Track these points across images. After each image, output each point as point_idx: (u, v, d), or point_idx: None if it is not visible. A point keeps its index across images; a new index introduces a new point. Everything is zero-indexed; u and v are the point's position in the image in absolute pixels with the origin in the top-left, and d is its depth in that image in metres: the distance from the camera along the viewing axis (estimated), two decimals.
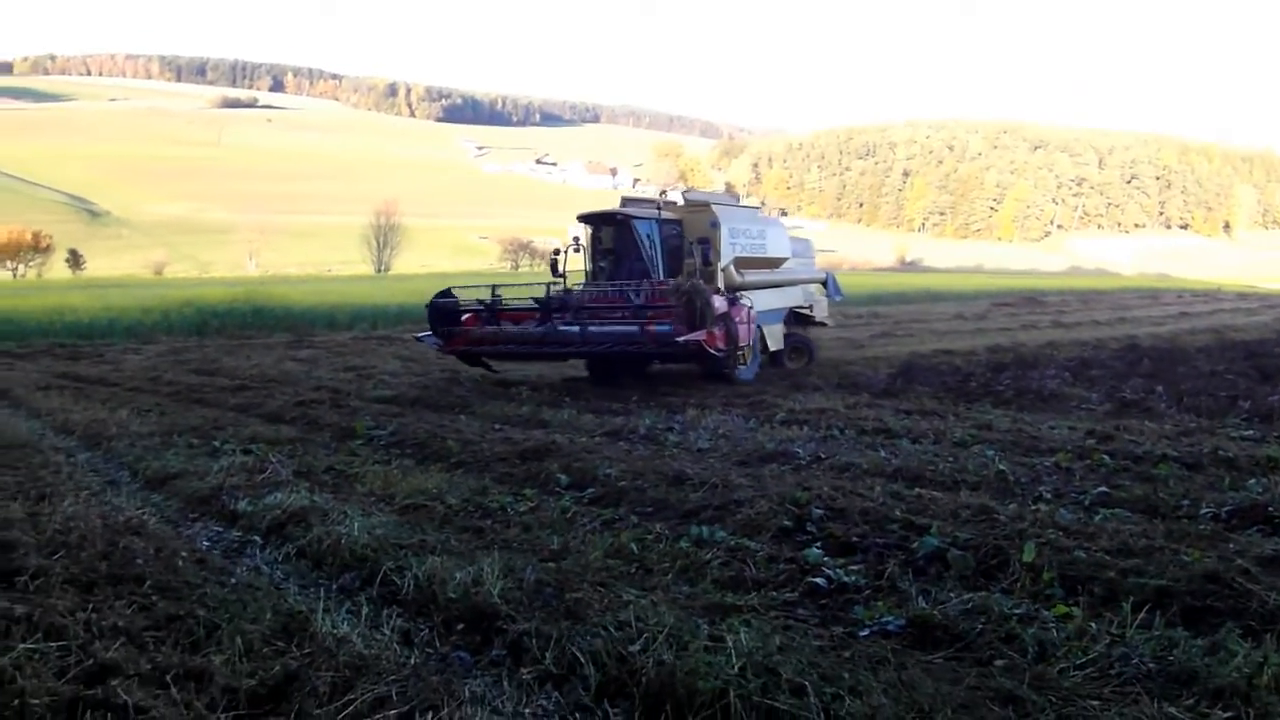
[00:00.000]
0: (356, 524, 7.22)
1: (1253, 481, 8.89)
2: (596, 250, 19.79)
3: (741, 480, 8.76)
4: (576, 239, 20.16)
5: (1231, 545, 6.59)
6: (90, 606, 5.40)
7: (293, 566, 6.86)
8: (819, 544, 6.89)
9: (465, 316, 19.43)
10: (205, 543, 7.61)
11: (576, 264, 20.17)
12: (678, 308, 16.20)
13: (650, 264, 18.65)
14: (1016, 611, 5.34)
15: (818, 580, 5.97)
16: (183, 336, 35.12)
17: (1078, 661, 4.70)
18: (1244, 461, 9.99)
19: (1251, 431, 12.28)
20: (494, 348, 19.13)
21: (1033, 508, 7.81)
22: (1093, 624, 5.18)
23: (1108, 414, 14.13)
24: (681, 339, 15.75)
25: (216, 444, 11.79)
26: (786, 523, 7.34)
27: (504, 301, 19.78)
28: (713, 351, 15.98)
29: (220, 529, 8.06)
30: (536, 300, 19.00)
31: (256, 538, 7.62)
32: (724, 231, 19.34)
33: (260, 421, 14.09)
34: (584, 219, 19.84)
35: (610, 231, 19.74)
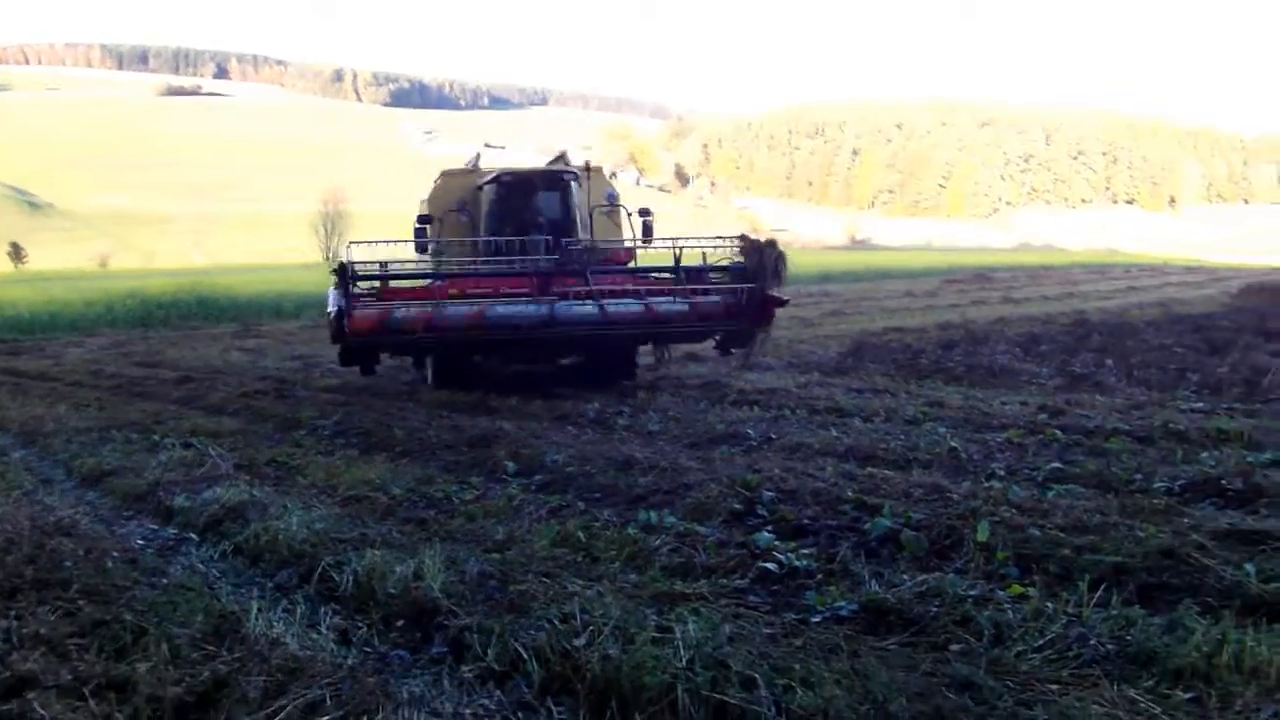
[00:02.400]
0: (295, 518, 6.98)
1: (1205, 454, 8.84)
2: (495, 216, 15.75)
3: (691, 464, 8.62)
4: (463, 204, 16.30)
5: (1186, 520, 6.51)
6: (12, 614, 5.15)
7: (229, 564, 6.61)
8: (770, 527, 6.73)
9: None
10: (139, 542, 7.31)
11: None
12: (756, 264, 13.54)
13: (574, 233, 15.49)
14: (971, 593, 5.22)
15: (768, 565, 5.81)
16: (126, 329, 34.57)
17: (1035, 644, 4.56)
18: (1194, 434, 9.96)
19: (1201, 404, 12.30)
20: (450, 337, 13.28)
21: (986, 485, 7.72)
22: (1049, 604, 5.05)
23: (1058, 389, 14.11)
24: (777, 294, 13.48)
25: (156, 438, 11.49)
26: (737, 506, 7.18)
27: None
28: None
29: (155, 527, 7.78)
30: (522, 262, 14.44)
31: (193, 535, 7.36)
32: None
33: (202, 414, 13.82)
34: (503, 178, 16.05)
35: (516, 194, 15.94)
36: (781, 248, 13.76)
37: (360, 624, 5.30)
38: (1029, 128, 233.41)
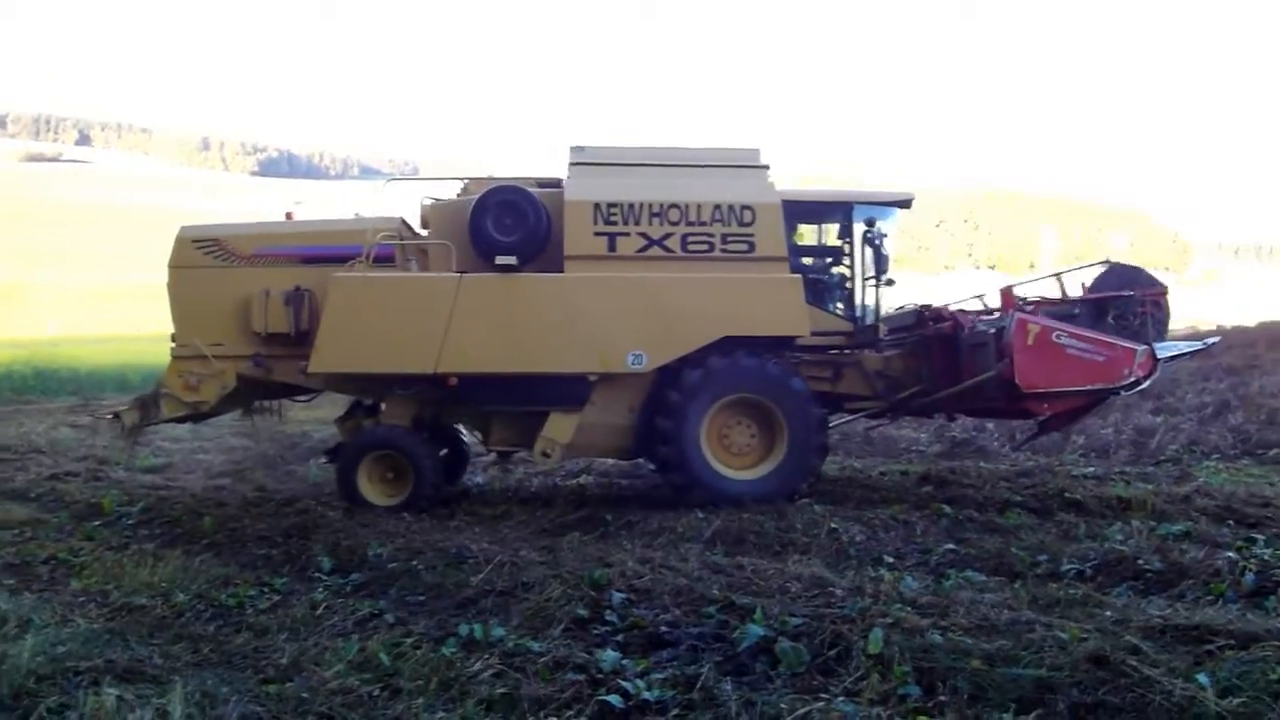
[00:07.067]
0: (33, 640, 5.59)
1: (1110, 528, 8.07)
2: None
3: (534, 556, 7.49)
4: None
5: (1109, 613, 5.62)
6: None
7: None
8: (619, 638, 5.61)
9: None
10: None
11: None
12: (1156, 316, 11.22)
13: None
14: None
15: (611, 699, 4.61)
16: None
17: None
18: (1093, 504, 9.41)
19: (1092, 468, 11.73)
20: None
21: (873, 575, 6.73)
22: None
23: (939, 455, 13.43)
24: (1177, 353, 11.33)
25: None
26: (581, 611, 6.02)
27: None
28: None
29: None
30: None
31: None
32: None
33: None
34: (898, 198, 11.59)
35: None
36: None
37: None
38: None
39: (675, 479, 10.32)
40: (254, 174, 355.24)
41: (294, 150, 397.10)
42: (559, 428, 10.45)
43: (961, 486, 10.44)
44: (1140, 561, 6.86)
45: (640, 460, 11.01)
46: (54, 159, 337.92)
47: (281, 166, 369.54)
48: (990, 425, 15.11)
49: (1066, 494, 9.63)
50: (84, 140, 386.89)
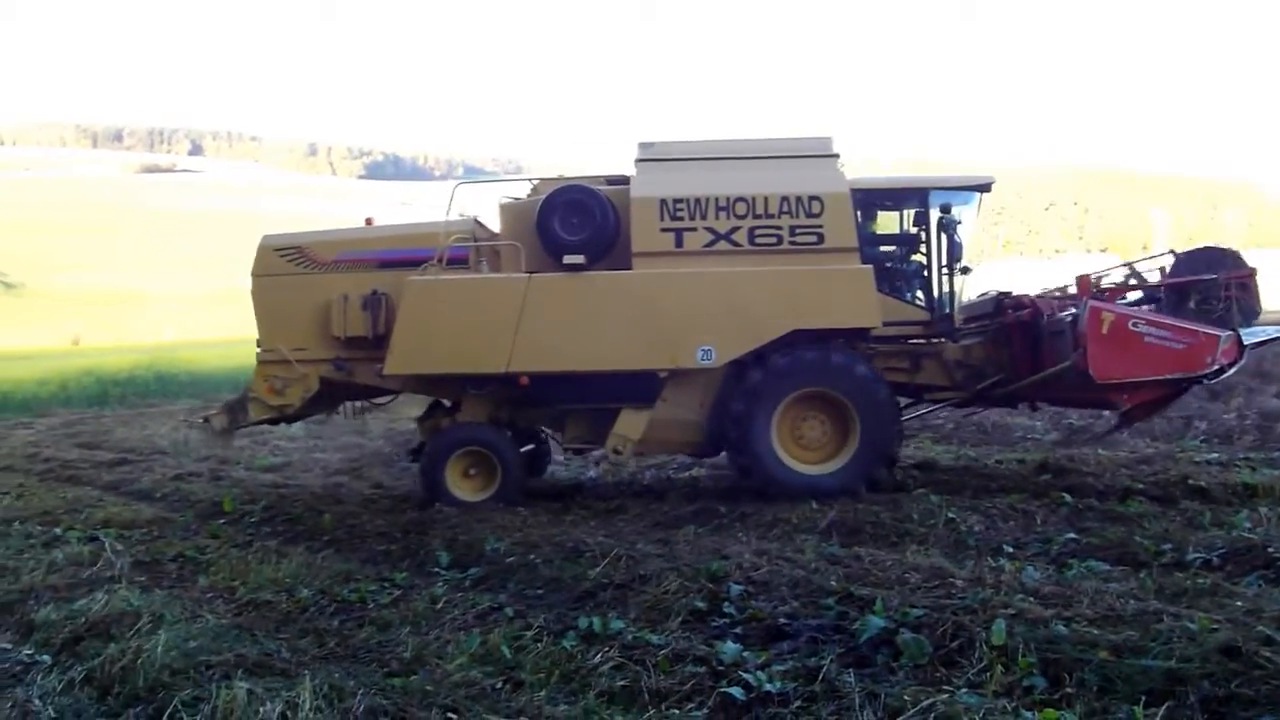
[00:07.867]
0: (165, 636, 5.75)
1: (1240, 516, 7.81)
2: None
3: (650, 549, 7.50)
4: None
5: (1239, 603, 5.44)
6: None
7: (72, 699, 5.32)
8: (738, 629, 5.61)
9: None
10: None
11: None
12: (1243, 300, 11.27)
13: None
14: None
15: (733, 691, 4.62)
16: (81, 408, 33.13)
17: None
18: (1218, 491, 9.07)
19: (1214, 454, 11.40)
20: None
21: (993, 566, 6.62)
22: None
23: (1057, 443, 13.16)
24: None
25: (59, 531, 10.25)
26: (699, 604, 6.04)
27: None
28: None
29: (9, 645, 6.50)
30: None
31: (47, 657, 6.11)
32: None
33: (124, 501, 12.57)
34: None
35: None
36: None
37: None
38: (1000, 182, 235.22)
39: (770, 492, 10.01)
40: (361, 177, 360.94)
41: (399, 153, 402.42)
42: (630, 424, 10.54)
43: (1081, 474, 10.22)
44: (1270, 550, 6.64)
45: None
46: (169, 169, 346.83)
47: (387, 169, 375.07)
48: (1107, 412, 14.80)
49: (1190, 481, 9.35)
50: (196, 150, 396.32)
